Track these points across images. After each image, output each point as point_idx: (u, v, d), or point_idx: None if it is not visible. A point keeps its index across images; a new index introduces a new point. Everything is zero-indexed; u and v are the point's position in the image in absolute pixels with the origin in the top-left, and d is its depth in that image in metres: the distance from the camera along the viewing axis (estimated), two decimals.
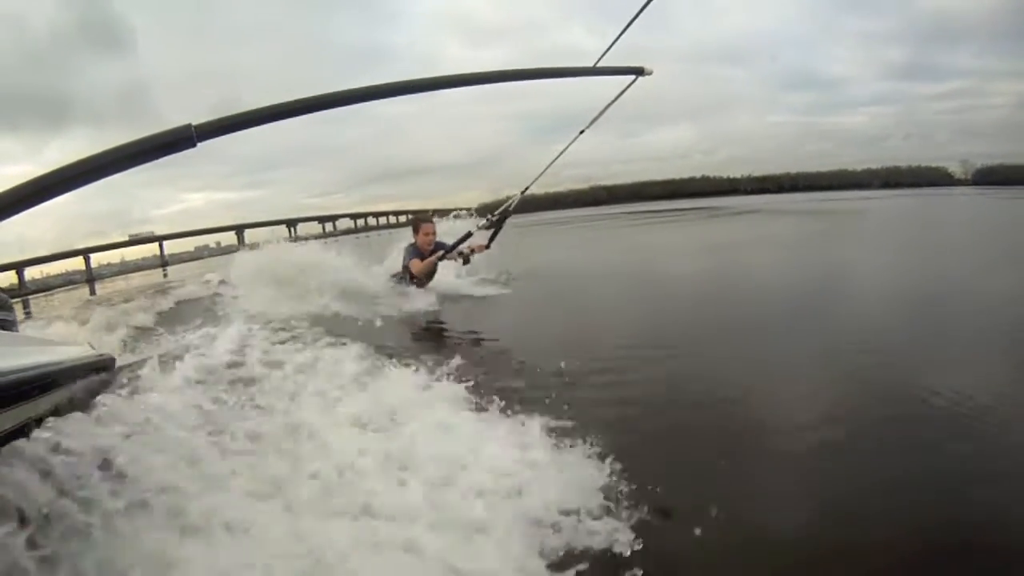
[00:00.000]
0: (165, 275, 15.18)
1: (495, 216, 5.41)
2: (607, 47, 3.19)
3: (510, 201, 5.37)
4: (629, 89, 3.61)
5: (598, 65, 3.16)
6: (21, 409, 1.73)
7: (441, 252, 5.38)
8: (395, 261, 5.80)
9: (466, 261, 5.50)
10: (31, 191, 1.65)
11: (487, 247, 5.51)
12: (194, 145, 1.80)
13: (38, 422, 1.80)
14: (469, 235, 5.41)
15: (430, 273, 5.45)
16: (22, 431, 1.71)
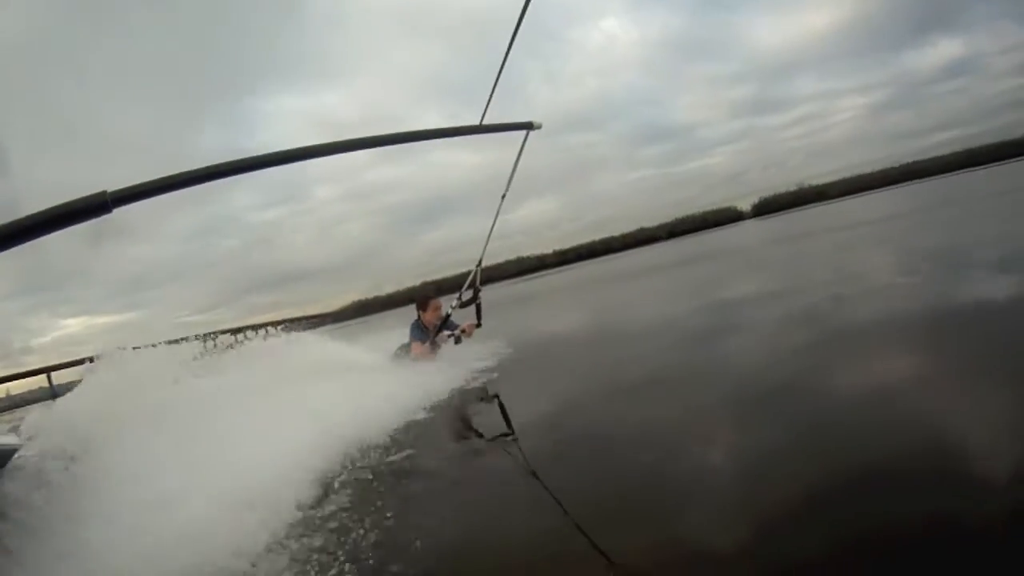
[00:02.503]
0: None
1: (464, 293, 5.36)
2: (484, 108, 3.35)
3: (472, 274, 5.30)
4: (523, 148, 3.92)
5: (484, 123, 3.32)
6: None
7: (438, 334, 5.33)
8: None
9: (457, 341, 5.44)
10: None
11: (478, 325, 5.48)
12: (109, 211, 1.86)
13: None
14: (448, 316, 5.38)
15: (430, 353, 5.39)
16: None
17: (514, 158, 4.30)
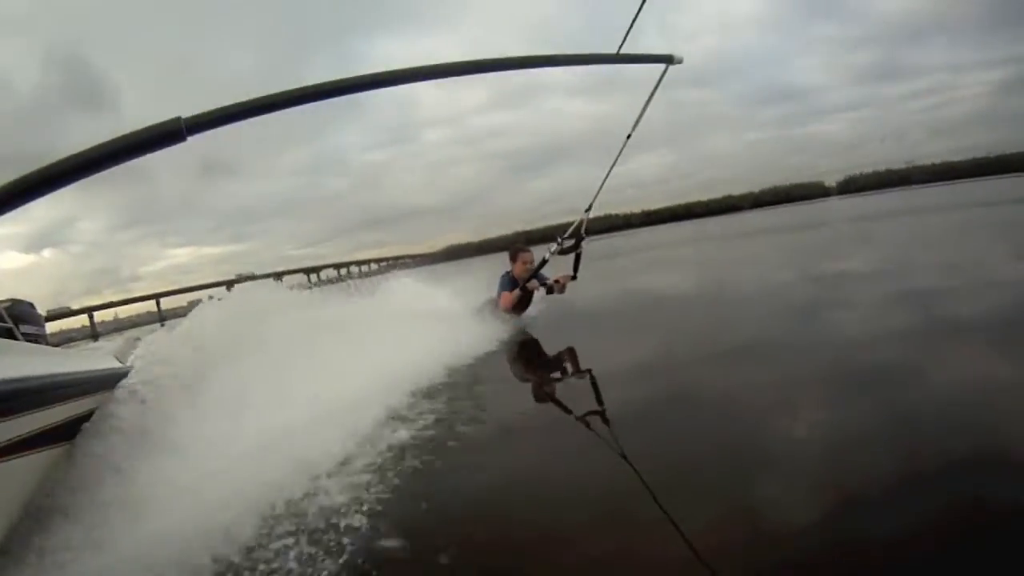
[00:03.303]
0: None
1: (565, 240, 5.04)
2: (624, 36, 3.04)
3: (579, 221, 4.97)
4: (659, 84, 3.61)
5: (621, 52, 3.00)
6: (66, 407, 2.13)
7: (529, 284, 5.12)
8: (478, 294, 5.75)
9: (550, 291, 5.19)
10: (18, 188, 1.59)
11: (574, 277, 5.14)
12: (184, 139, 1.75)
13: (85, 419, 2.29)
14: (544, 262, 5.11)
15: (521, 306, 5.23)
16: (73, 426, 2.21)
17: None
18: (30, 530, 1.85)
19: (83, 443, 2.22)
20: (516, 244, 5.53)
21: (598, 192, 4.83)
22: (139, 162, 1.78)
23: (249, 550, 1.66)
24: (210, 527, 1.75)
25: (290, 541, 1.68)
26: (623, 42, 3.03)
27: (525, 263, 5.15)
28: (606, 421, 2.49)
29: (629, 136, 4.36)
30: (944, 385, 2.31)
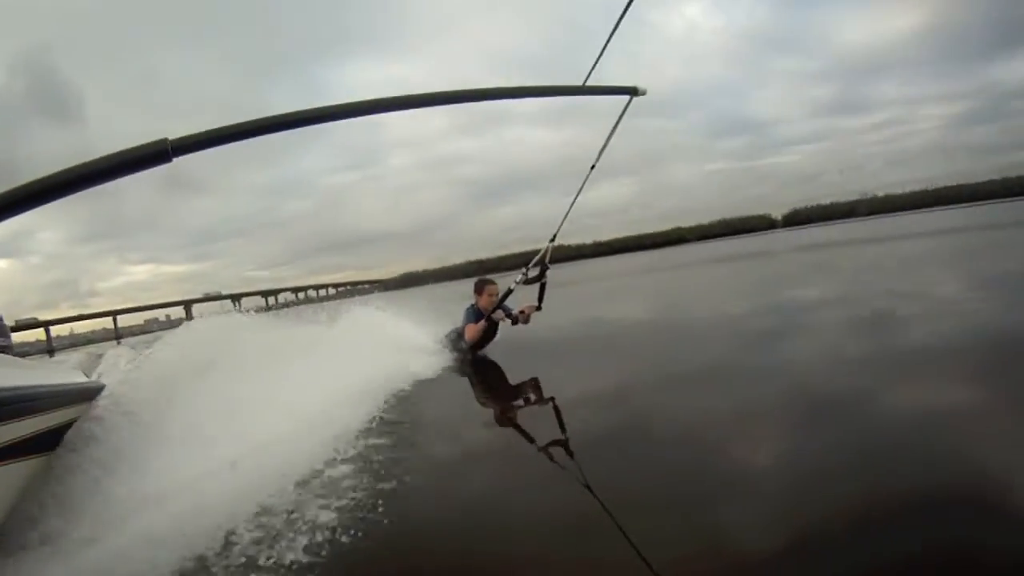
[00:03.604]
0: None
1: (531, 270, 5.02)
2: (590, 68, 3.11)
3: (544, 250, 4.98)
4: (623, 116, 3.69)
5: (587, 84, 3.06)
6: (48, 416, 2.22)
7: (495, 315, 5.14)
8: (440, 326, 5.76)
9: (515, 322, 5.19)
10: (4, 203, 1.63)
11: (538, 308, 5.15)
12: (169, 160, 1.81)
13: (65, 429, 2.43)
14: (509, 292, 5.13)
15: (486, 338, 5.28)
16: (55, 435, 2.32)
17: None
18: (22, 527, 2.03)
19: (64, 454, 2.39)
20: (482, 277, 5.56)
21: (563, 221, 4.86)
22: None
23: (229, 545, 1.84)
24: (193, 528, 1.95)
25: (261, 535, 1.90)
26: (589, 74, 3.11)
27: (491, 295, 5.21)
28: (566, 448, 2.56)
29: (593, 167, 4.43)
30: (890, 413, 2.41)
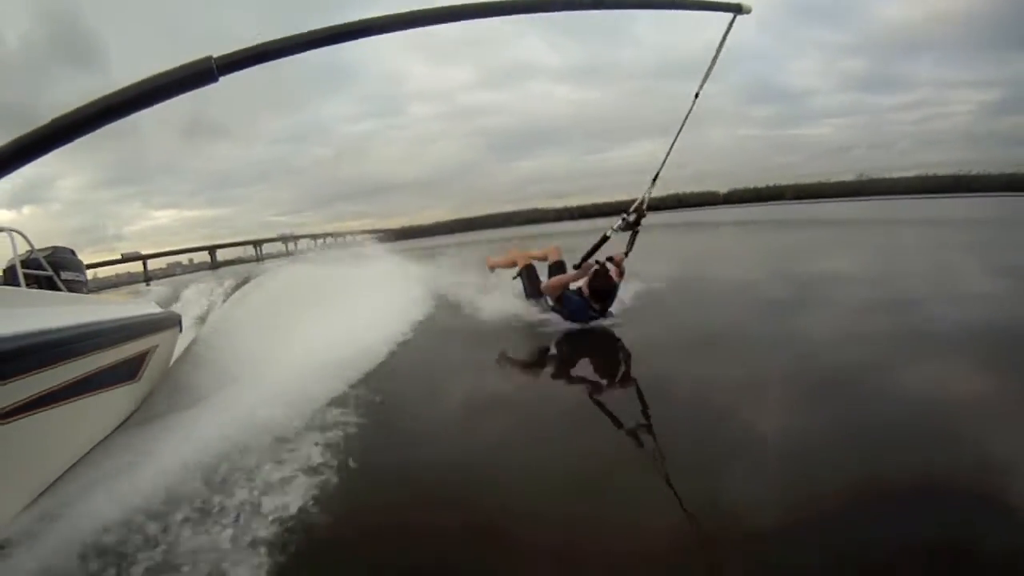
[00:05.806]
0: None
1: (631, 216, 4.67)
2: None
3: (643, 196, 4.61)
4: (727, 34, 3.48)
5: None
6: (120, 349, 2.42)
7: (579, 263, 4.66)
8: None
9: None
10: (51, 132, 1.57)
11: (626, 255, 4.69)
12: (216, 79, 1.72)
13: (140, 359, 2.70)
14: (605, 239, 4.71)
15: (598, 295, 4.62)
16: (125, 367, 2.53)
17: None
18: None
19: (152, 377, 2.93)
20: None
21: (663, 163, 4.48)
22: (129, 118, 1.75)
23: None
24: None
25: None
26: None
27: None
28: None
29: (696, 95, 4.09)
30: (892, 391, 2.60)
